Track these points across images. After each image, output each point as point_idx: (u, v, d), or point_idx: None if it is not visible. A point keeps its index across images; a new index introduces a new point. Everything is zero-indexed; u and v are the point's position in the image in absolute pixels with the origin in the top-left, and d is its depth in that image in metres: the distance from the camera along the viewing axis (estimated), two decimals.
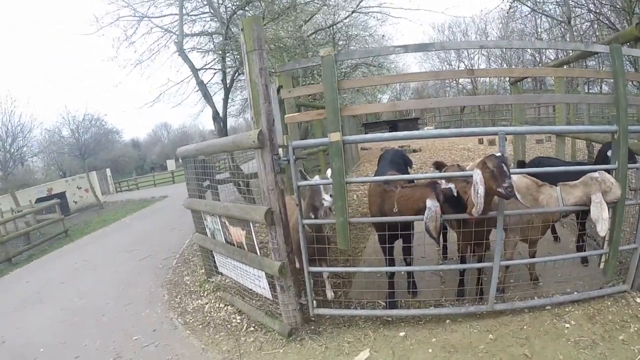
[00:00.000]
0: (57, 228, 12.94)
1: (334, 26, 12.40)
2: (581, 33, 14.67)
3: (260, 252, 4.12)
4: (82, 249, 10.53)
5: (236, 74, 8.09)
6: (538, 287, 4.12)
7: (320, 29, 12.07)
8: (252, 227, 4.01)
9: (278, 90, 3.74)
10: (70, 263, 8.99)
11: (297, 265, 3.94)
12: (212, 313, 4.87)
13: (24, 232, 12.07)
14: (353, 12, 12.60)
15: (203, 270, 6.02)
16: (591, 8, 14.28)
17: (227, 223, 4.54)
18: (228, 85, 8.12)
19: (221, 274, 5.49)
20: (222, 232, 4.75)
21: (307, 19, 10.97)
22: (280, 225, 3.63)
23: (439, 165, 4.90)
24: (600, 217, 3.35)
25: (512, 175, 3.10)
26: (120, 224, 13.64)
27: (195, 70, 8.32)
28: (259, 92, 3.46)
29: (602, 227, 3.36)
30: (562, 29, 16.58)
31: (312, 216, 3.89)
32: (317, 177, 4.09)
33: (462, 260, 4.05)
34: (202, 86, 8.20)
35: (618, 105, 3.43)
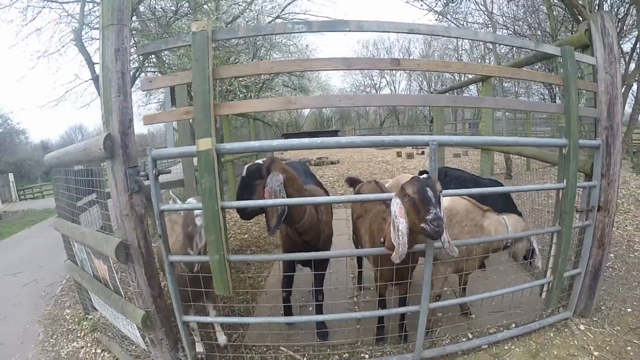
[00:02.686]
0: None
1: (243, 14, 11.46)
2: (503, 55, 14.84)
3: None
4: None
5: (138, 72, 6.84)
6: (470, 319, 3.52)
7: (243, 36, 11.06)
8: (111, 262, 2.92)
9: (172, 91, 2.70)
10: None
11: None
12: None
13: None
14: (277, 17, 11.75)
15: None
16: (516, 30, 14.44)
17: (91, 253, 3.40)
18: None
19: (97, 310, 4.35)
20: (88, 263, 3.60)
21: (229, 22, 9.92)
22: (140, 263, 2.62)
23: (352, 182, 4.06)
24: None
25: (445, 199, 2.28)
26: (14, 239, 11.66)
27: (92, 64, 6.94)
28: (111, 81, 2.48)
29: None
30: (483, 50, 16.80)
31: (189, 250, 2.83)
32: (191, 199, 3.07)
33: (381, 302, 3.20)
34: (98, 82, 6.78)
35: (569, 114, 2.87)
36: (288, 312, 3.57)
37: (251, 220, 4.93)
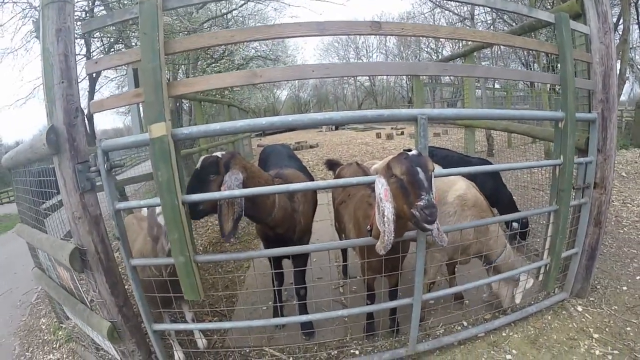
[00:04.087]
0: None
1: (229, 14, 10.92)
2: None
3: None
4: None
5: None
6: (464, 306, 3.29)
7: (214, 17, 10.49)
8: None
9: (136, 75, 2.37)
10: None
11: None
12: None
13: None
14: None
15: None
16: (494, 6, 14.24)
17: (53, 260, 3.04)
18: (94, 75, 6.36)
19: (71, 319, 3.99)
20: (53, 270, 3.26)
21: (199, 5, 9.36)
22: (99, 270, 2.28)
23: (332, 165, 3.75)
24: None
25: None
26: None
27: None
28: (53, 66, 2.12)
29: None
30: (463, 26, 16.58)
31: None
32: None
33: (369, 295, 2.90)
34: None
35: (566, 86, 2.60)
36: (278, 301, 3.26)
37: None
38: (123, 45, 7.24)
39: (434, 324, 3.08)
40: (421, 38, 26.79)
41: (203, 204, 2.28)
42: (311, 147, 15.75)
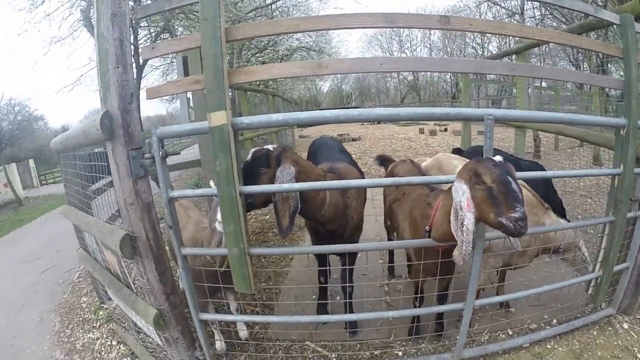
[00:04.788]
0: None
1: (274, 4, 10.77)
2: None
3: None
4: None
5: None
6: (510, 314, 3.11)
7: (259, 7, 10.38)
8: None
9: (185, 63, 2.31)
10: None
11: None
12: (102, 353, 3.66)
13: None
14: None
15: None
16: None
17: (100, 243, 3.04)
18: (141, 63, 6.40)
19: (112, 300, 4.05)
20: (99, 253, 3.26)
21: None
22: (149, 257, 2.22)
23: (383, 160, 3.61)
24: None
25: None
26: (35, 225, 11.42)
27: None
28: (107, 51, 2.04)
29: None
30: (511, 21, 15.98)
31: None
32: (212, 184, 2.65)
33: (416, 291, 2.77)
34: None
35: (629, 91, 2.38)
36: (323, 297, 3.16)
37: None
38: (169, 35, 7.25)
39: (479, 330, 2.93)
40: (467, 32, 26.11)
41: (253, 197, 2.19)
42: (354, 140, 15.37)
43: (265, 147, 2.27)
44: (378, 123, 24.21)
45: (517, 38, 3.66)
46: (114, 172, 2.15)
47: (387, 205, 3.09)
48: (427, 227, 2.28)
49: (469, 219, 1.78)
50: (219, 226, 2.11)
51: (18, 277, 6.44)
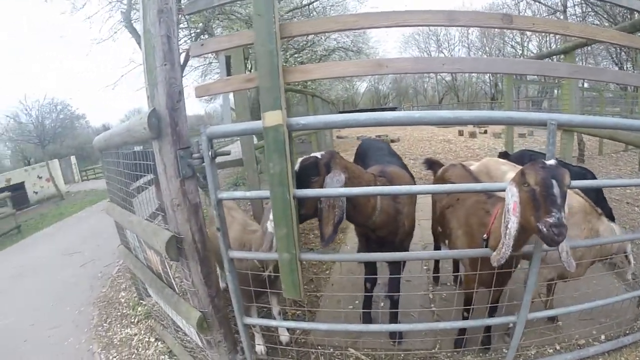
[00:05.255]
0: (10, 223, 11.00)
1: (311, 5, 10.63)
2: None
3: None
4: (29, 249, 8.89)
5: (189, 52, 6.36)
6: (557, 328, 2.91)
7: (297, 8, 10.28)
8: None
9: (228, 63, 2.23)
10: (11, 267, 7.45)
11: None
12: (140, 350, 3.64)
13: None
14: None
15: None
16: None
17: (143, 242, 3.00)
18: (182, 63, 6.41)
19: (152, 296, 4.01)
20: (141, 252, 3.23)
21: None
22: (195, 259, 2.14)
23: (431, 164, 3.44)
24: None
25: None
26: (75, 218, 11.76)
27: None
28: (155, 47, 1.96)
29: None
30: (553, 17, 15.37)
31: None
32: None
33: (467, 302, 2.59)
34: None
35: None
36: (367, 304, 3.03)
37: None
38: (208, 36, 7.27)
39: (526, 344, 2.73)
40: (506, 31, 25.22)
41: (305, 207, 2.09)
42: (392, 141, 14.81)
43: (312, 155, 2.17)
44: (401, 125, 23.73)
45: (573, 38, 3.41)
46: (160, 172, 2.08)
47: (438, 211, 2.93)
48: (485, 235, 2.13)
49: (513, 222, 1.74)
50: (270, 226, 2.02)
51: (58, 270, 6.61)
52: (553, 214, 1.58)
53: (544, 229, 1.58)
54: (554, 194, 1.61)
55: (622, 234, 2.65)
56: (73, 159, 26.67)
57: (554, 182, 1.63)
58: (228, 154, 1.98)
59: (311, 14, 11.24)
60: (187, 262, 2.17)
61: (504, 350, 2.64)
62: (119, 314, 4.51)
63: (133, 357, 3.54)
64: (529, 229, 1.73)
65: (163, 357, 3.39)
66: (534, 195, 1.66)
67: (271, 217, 1.97)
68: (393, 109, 30.92)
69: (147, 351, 3.56)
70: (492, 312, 2.57)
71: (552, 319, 2.95)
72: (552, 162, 1.73)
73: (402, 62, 1.89)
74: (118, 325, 4.22)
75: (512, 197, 1.75)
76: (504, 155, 4.12)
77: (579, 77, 2.33)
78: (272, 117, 1.73)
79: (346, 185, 2.03)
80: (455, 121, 1.84)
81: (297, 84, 10.27)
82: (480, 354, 2.70)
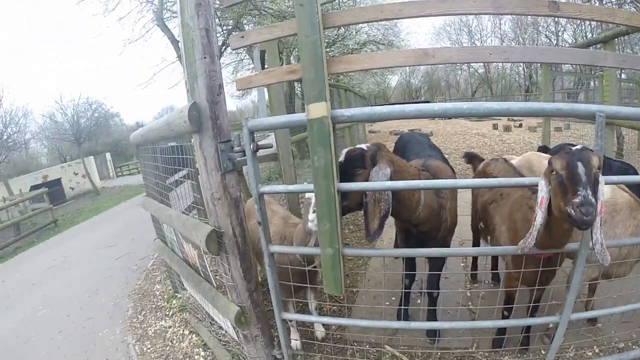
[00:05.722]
0: (47, 218, 11.41)
1: None
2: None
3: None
4: (65, 242, 9.13)
5: (224, 47, 6.41)
6: (597, 330, 2.79)
7: (324, 3, 10.11)
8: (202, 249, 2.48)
9: (262, 57, 2.20)
10: (48, 260, 7.69)
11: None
12: (174, 342, 3.69)
13: (9, 223, 10.49)
14: None
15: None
16: None
17: (180, 236, 3.02)
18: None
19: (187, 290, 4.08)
20: (178, 246, 3.25)
21: None
22: (235, 253, 2.12)
23: (471, 158, 3.34)
24: None
25: (603, 186, 1.62)
26: (110, 213, 12.07)
27: (175, 42, 6.69)
28: (194, 40, 1.94)
29: None
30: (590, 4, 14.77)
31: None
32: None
33: (508, 301, 2.50)
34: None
35: None
36: (405, 300, 2.96)
37: None
38: (238, 32, 7.33)
39: (565, 346, 2.62)
40: (540, 20, 24.37)
41: (348, 199, 2.04)
42: None
43: (358, 146, 2.12)
44: (449, 118, 23.18)
45: (621, 25, 3.21)
46: (201, 166, 2.06)
47: (480, 207, 2.83)
48: None
49: (539, 216, 1.74)
50: (313, 226, 1.98)
51: (94, 263, 6.79)
52: (579, 192, 1.56)
53: (572, 211, 1.55)
54: (578, 173, 1.59)
55: None
56: (108, 155, 27.54)
57: (579, 163, 1.61)
58: (270, 146, 1.95)
59: (344, 4, 11.03)
60: (227, 257, 2.15)
61: (542, 351, 2.54)
62: (153, 306, 4.58)
63: (167, 349, 3.59)
64: (562, 218, 1.68)
65: (197, 349, 3.41)
66: (562, 181, 1.64)
67: (311, 212, 1.94)
68: (425, 102, 30.39)
69: (182, 343, 3.59)
70: (533, 312, 2.46)
71: (592, 321, 2.82)
72: (578, 146, 1.72)
73: (448, 52, 1.81)
74: (152, 318, 4.28)
75: (540, 191, 1.75)
76: (543, 149, 3.96)
77: (626, 67, 2.18)
78: (317, 109, 1.68)
79: (391, 179, 1.97)
80: (505, 113, 1.76)
81: (330, 77, 10.14)
82: (519, 355, 2.59)
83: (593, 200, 1.54)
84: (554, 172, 1.69)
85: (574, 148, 1.70)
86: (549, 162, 1.73)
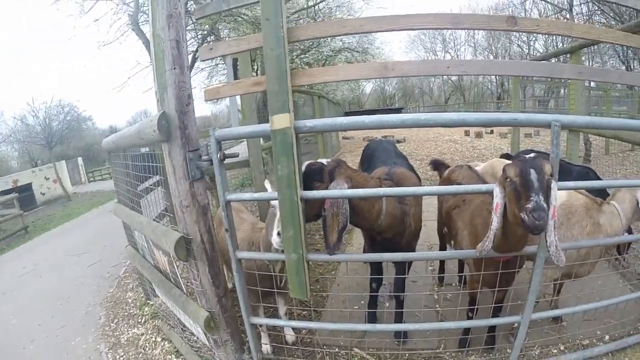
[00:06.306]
0: (17, 224, 11.04)
1: (316, 6, 10.51)
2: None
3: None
4: (36, 249, 8.87)
5: (198, 53, 6.34)
6: (562, 328, 2.90)
7: (303, 9, 10.22)
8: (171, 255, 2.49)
9: (235, 65, 2.22)
10: (19, 268, 7.45)
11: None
12: (147, 349, 3.67)
13: None
14: None
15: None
16: None
17: (151, 243, 3.02)
18: (188, 64, 6.46)
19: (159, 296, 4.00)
20: (149, 252, 3.24)
21: None
22: (203, 259, 2.15)
23: (437, 165, 3.44)
24: None
25: (560, 193, 1.73)
26: (82, 219, 11.78)
27: (150, 47, 6.61)
28: (164, 51, 1.99)
29: None
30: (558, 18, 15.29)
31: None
32: (268, 185, 2.55)
33: (472, 302, 2.60)
34: None
35: None
36: (373, 304, 3.03)
37: None
38: (214, 38, 7.30)
39: (530, 344, 2.73)
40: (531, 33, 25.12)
41: (304, 209, 2.11)
42: (398, 141, 14.37)
43: (319, 160, 2.19)
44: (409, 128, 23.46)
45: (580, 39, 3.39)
46: (169, 174, 2.10)
47: (444, 212, 2.94)
48: None
49: (495, 221, 1.83)
50: (277, 239, 2.04)
51: (65, 270, 6.60)
52: (531, 197, 1.63)
53: (525, 216, 1.63)
54: (530, 180, 1.67)
55: (625, 198, 2.55)
56: (80, 160, 26.75)
57: (531, 171, 1.69)
58: (236, 156, 1.99)
59: (317, 15, 11.13)
60: (195, 263, 2.18)
61: (507, 350, 2.63)
62: (125, 314, 4.52)
63: (140, 356, 3.54)
64: (516, 223, 1.77)
65: (170, 356, 3.39)
66: (515, 187, 1.72)
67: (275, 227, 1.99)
68: (399, 109, 30.70)
69: (154, 350, 3.56)
70: (496, 312, 2.57)
71: (557, 319, 2.94)
72: (531, 155, 1.83)
73: (407, 65, 1.90)
74: (125, 325, 4.22)
75: (495, 197, 1.83)
76: (505, 156, 4.11)
77: (584, 78, 2.32)
78: (280, 120, 1.75)
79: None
80: (461, 123, 1.85)
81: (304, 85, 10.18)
82: (484, 354, 2.69)
83: (545, 205, 1.63)
84: (508, 179, 1.77)
85: (527, 156, 1.80)
86: (504, 170, 1.81)
